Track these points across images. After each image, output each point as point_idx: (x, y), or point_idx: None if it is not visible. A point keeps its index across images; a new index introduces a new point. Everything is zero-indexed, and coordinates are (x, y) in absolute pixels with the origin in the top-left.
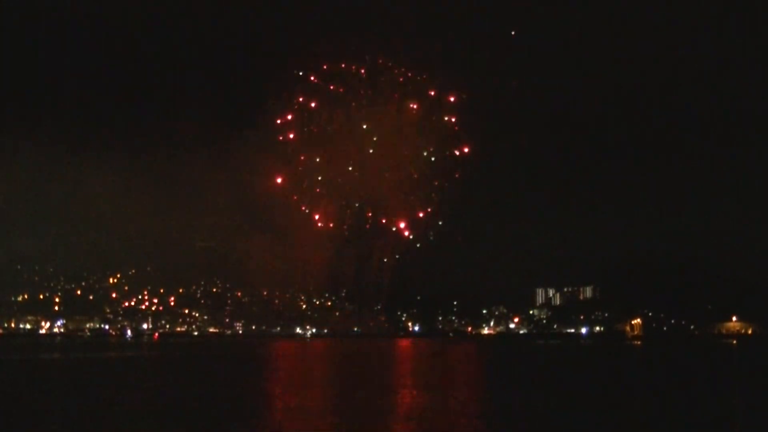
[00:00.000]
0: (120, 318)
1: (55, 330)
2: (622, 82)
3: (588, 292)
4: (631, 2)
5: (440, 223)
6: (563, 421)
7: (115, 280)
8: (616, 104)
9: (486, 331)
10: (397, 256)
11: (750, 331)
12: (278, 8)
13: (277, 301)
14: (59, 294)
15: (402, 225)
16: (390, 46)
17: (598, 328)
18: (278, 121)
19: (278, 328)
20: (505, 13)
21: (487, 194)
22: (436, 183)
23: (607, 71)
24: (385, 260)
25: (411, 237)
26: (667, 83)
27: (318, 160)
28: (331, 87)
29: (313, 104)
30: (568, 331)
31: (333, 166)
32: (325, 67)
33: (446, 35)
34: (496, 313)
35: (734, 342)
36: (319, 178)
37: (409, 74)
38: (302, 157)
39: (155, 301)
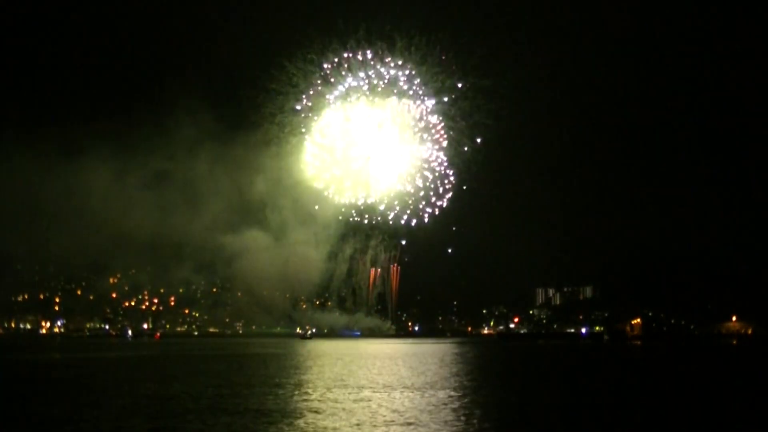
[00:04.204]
0: (120, 318)
1: (55, 330)
2: (625, 84)
3: (588, 292)
4: (640, 7)
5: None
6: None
7: (115, 280)
8: (617, 105)
9: (486, 331)
10: (393, 254)
11: (750, 331)
12: (279, 7)
13: (277, 302)
14: (59, 294)
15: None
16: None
17: (598, 328)
18: (278, 119)
19: (278, 328)
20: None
21: (488, 194)
22: (438, 181)
23: (610, 73)
24: (382, 258)
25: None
26: (668, 84)
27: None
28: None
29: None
30: (569, 330)
31: (333, 162)
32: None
33: (454, 29)
34: (496, 313)
35: (734, 342)
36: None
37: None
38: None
39: (155, 301)
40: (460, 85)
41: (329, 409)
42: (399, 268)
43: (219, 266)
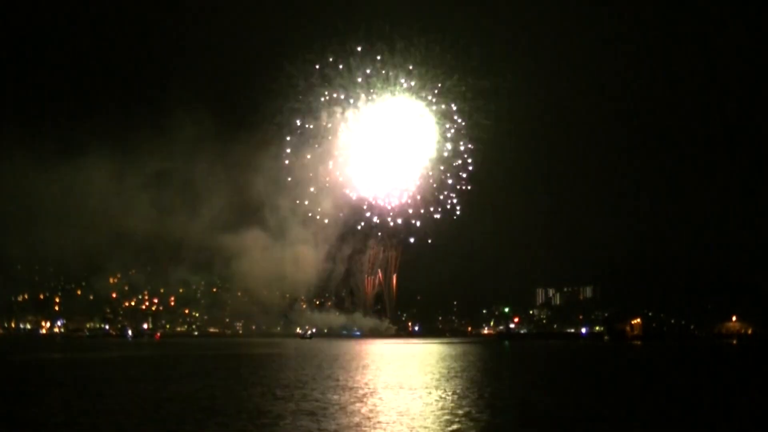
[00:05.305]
0: (120, 318)
1: (55, 330)
2: (625, 83)
3: (588, 292)
4: (641, 7)
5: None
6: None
7: (115, 280)
8: (617, 105)
9: (486, 331)
10: (392, 254)
11: (750, 331)
12: (279, 8)
13: (277, 302)
14: (59, 294)
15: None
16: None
17: (598, 328)
18: (277, 119)
19: (278, 328)
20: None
21: (489, 194)
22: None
23: (611, 72)
24: (380, 258)
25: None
26: (668, 84)
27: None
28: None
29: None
30: (569, 330)
31: (331, 162)
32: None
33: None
34: (496, 313)
35: (734, 342)
36: (318, 176)
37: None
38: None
39: (155, 301)
40: (459, 86)
41: (328, 410)
42: (398, 267)
43: (218, 266)
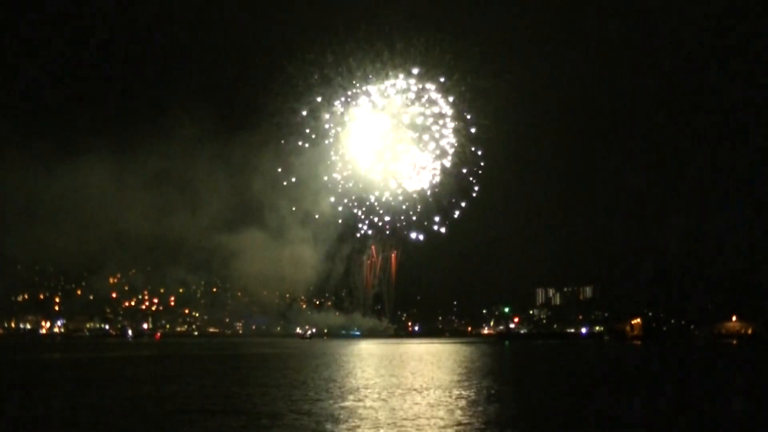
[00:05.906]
0: (120, 318)
1: (55, 330)
2: (627, 83)
3: (588, 292)
4: (642, 6)
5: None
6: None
7: (115, 280)
8: (618, 105)
9: (486, 331)
10: (392, 254)
11: (750, 331)
12: (279, 8)
13: (277, 301)
14: (59, 294)
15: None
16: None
17: (598, 328)
18: (277, 119)
19: (278, 328)
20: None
21: (488, 194)
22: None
23: (612, 73)
24: (379, 258)
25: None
26: (669, 83)
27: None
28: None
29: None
30: (569, 330)
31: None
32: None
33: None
34: (496, 313)
35: (734, 342)
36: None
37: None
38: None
39: (155, 301)
40: (459, 86)
41: (325, 409)
42: (397, 267)
43: (217, 266)
